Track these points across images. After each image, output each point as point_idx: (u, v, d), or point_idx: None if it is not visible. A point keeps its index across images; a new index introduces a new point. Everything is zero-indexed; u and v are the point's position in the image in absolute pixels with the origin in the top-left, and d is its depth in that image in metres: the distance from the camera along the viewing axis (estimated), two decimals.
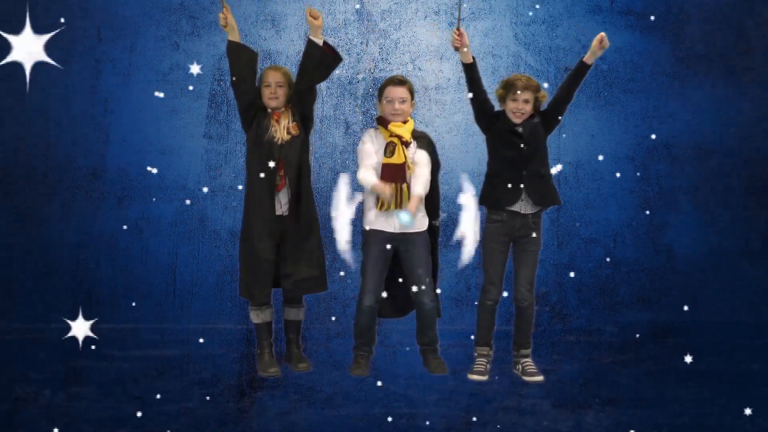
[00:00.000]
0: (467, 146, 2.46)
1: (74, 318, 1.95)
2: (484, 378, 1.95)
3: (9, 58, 1.99)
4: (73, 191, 2.53)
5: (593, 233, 2.54)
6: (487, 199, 1.97)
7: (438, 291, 2.01)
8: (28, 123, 2.53)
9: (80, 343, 1.95)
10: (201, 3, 2.52)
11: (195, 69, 2.24)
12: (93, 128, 2.54)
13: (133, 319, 2.41)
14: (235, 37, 1.94)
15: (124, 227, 2.45)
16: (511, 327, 2.00)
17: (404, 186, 1.92)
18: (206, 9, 2.51)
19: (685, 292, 2.49)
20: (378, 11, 2.55)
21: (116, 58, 2.52)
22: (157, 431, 1.62)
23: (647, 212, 2.53)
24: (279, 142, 1.92)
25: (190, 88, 2.45)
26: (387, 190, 1.88)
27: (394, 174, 1.92)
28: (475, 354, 1.99)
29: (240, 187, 2.07)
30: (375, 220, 1.96)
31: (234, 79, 1.93)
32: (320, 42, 1.89)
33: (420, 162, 1.95)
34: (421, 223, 1.96)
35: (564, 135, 2.44)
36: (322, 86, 2.26)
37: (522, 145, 1.90)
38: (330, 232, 2.31)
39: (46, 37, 1.99)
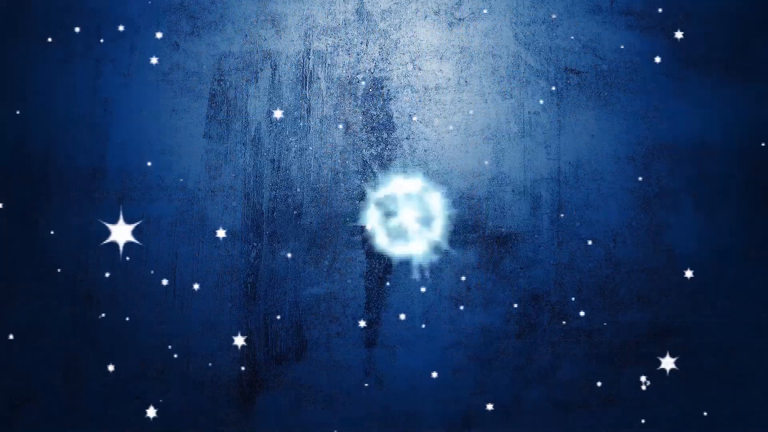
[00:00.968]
0: (467, 146, 2.46)
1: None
2: None
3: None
4: (73, 191, 2.53)
5: (593, 233, 2.54)
6: None
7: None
8: (28, 123, 2.53)
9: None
10: (201, 3, 2.53)
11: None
12: (93, 128, 2.55)
13: (133, 319, 2.42)
14: None
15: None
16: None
17: None
18: (206, 9, 2.52)
19: (685, 292, 2.49)
20: (378, 11, 2.55)
21: (116, 58, 2.52)
22: (157, 431, 1.62)
23: (647, 213, 2.53)
24: None
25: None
26: None
27: None
28: None
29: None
30: None
31: None
32: None
33: None
34: None
35: (564, 135, 2.44)
36: (322, 86, 2.26)
37: None
38: (329, 232, 2.31)
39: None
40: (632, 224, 2.59)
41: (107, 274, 2.54)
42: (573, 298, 2.58)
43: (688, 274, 2.59)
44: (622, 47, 2.52)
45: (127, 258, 2.49)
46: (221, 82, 2.55)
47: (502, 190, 2.27)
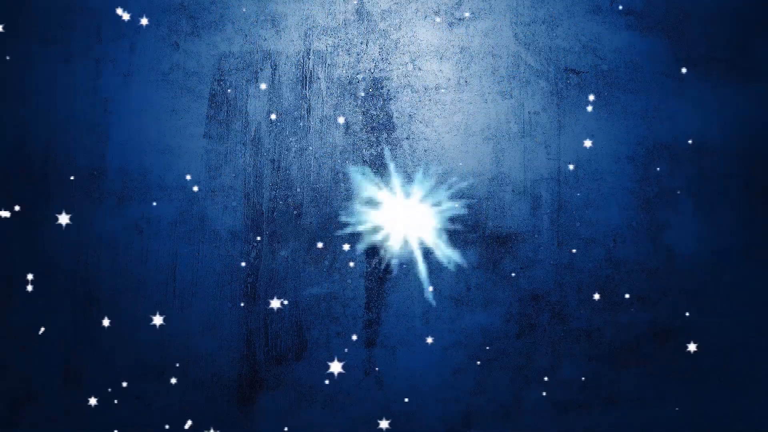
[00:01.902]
0: (467, 146, 2.46)
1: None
2: None
3: None
4: (73, 191, 2.54)
5: (593, 233, 2.54)
6: None
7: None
8: (28, 123, 2.53)
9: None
10: (201, 3, 2.53)
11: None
12: (93, 128, 2.55)
13: (134, 318, 2.42)
14: None
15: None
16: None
17: None
18: (206, 9, 2.52)
19: (685, 292, 2.49)
20: (378, 11, 2.55)
21: (116, 58, 2.53)
22: (157, 431, 1.62)
23: (647, 213, 2.53)
24: None
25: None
26: None
27: None
28: None
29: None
30: None
31: None
32: None
33: None
34: None
35: (564, 135, 2.44)
36: (322, 86, 2.26)
37: None
38: (330, 233, 2.31)
39: None
40: (632, 224, 2.59)
41: (107, 274, 2.54)
42: (573, 299, 2.59)
43: (688, 274, 2.59)
44: (622, 47, 2.53)
45: (127, 258, 2.49)
46: (221, 82, 2.55)
47: (502, 190, 2.27)
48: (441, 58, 2.60)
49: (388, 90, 2.35)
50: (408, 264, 2.19)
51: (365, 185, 2.22)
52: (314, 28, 2.37)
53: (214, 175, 2.55)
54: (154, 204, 2.46)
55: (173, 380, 1.88)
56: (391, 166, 2.28)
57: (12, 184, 2.56)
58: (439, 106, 2.59)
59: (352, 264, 2.37)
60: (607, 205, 2.56)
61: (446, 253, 2.41)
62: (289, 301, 2.18)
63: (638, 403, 1.77)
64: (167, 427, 1.59)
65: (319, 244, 2.22)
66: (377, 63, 2.60)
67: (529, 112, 2.32)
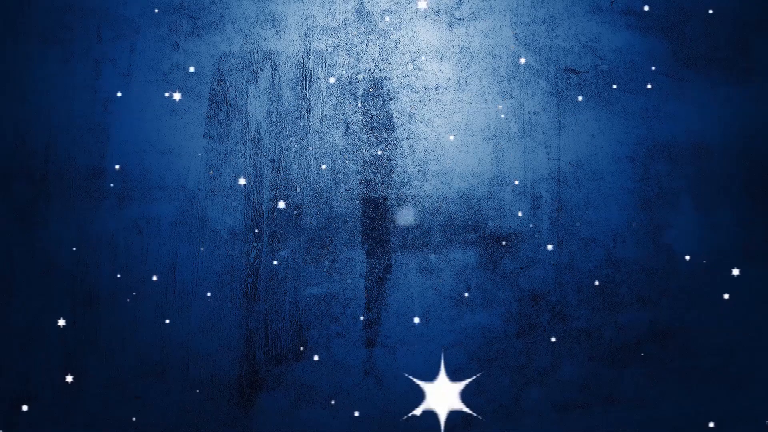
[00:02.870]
0: (467, 146, 2.46)
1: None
2: None
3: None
4: (73, 191, 2.54)
5: (593, 233, 2.54)
6: None
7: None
8: (28, 123, 2.53)
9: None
10: (201, 3, 2.53)
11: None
12: (93, 128, 2.55)
13: (133, 319, 2.41)
14: None
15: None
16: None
17: None
18: (206, 9, 2.52)
19: (685, 292, 2.49)
20: (378, 11, 2.55)
21: (116, 58, 2.53)
22: (157, 431, 1.62)
23: (647, 213, 2.53)
24: None
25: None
26: None
27: None
28: None
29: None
30: None
31: None
32: None
33: None
34: None
35: (564, 135, 2.44)
36: (322, 86, 2.26)
37: None
38: (329, 232, 2.31)
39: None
40: (632, 224, 2.59)
41: (107, 274, 2.54)
42: (573, 299, 2.59)
43: (688, 274, 2.59)
44: (622, 47, 2.53)
45: (127, 258, 2.49)
46: (221, 82, 2.55)
47: (502, 190, 2.27)
48: (441, 58, 2.61)
49: (388, 90, 2.36)
50: (407, 264, 2.19)
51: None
52: (314, 28, 2.37)
53: (214, 175, 2.55)
54: (154, 203, 2.47)
55: (173, 380, 1.88)
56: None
57: (12, 184, 2.56)
58: (439, 106, 2.59)
59: (352, 264, 2.37)
60: (606, 205, 2.56)
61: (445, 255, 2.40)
62: (289, 301, 2.18)
63: (638, 403, 1.77)
64: (167, 427, 1.59)
65: (319, 244, 2.22)
66: (377, 63, 2.60)
67: (529, 112, 2.32)
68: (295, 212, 2.27)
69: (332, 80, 2.42)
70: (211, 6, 2.51)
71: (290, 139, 2.31)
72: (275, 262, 2.24)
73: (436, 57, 2.60)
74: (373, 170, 2.28)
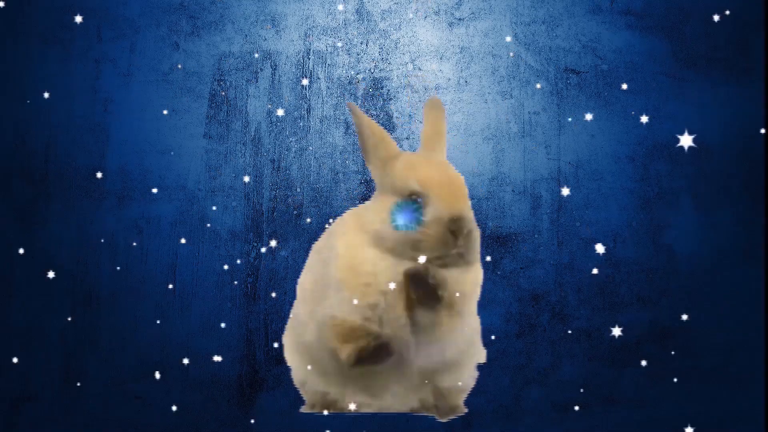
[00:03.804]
0: (467, 146, 2.46)
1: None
2: None
3: None
4: (73, 191, 2.53)
5: (593, 233, 2.54)
6: None
7: None
8: (28, 123, 2.53)
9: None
10: (201, 3, 2.53)
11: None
12: (93, 128, 2.54)
13: (133, 319, 2.41)
14: None
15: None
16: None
17: None
18: (206, 9, 2.52)
19: (685, 292, 2.49)
20: (378, 11, 2.55)
21: (116, 58, 2.52)
22: (157, 431, 1.62)
23: (647, 213, 2.53)
24: None
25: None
26: None
27: None
28: None
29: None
30: None
31: None
32: None
33: None
34: None
35: (564, 135, 2.44)
36: (322, 86, 2.26)
37: None
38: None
39: None
40: (632, 224, 2.58)
41: (107, 274, 2.54)
42: (573, 299, 2.58)
43: (688, 274, 2.58)
44: (622, 47, 2.52)
45: (127, 258, 2.48)
46: (221, 82, 2.55)
47: (502, 190, 2.27)
48: (441, 58, 2.60)
49: (388, 90, 2.35)
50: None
51: None
52: (314, 28, 2.37)
53: (214, 175, 2.55)
54: (154, 203, 2.46)
55: (173, 380, 1.88)
56: None
57: (12, 184, 2.55)
58: None
59: None
60: (607, 205, 2.55)
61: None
62: (289, 301, 2.18)
63: (638, 403, 1.77)
64: (167, 427, 1.58)
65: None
66: (377, 63, 2.60)
67: (529, 112, 2.32)
68: (295, 212, 2.27)
69: (332, 80, 2.42)
70: (211, 6, 2.50)
71: (290, 139, 2.32)
72: (275, 262, 2.24)
73: (436, 57, 2.59)
74: None
